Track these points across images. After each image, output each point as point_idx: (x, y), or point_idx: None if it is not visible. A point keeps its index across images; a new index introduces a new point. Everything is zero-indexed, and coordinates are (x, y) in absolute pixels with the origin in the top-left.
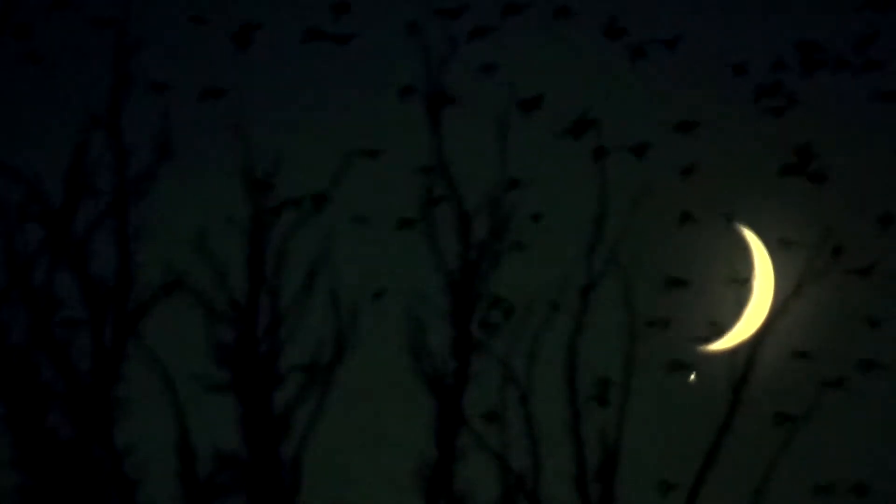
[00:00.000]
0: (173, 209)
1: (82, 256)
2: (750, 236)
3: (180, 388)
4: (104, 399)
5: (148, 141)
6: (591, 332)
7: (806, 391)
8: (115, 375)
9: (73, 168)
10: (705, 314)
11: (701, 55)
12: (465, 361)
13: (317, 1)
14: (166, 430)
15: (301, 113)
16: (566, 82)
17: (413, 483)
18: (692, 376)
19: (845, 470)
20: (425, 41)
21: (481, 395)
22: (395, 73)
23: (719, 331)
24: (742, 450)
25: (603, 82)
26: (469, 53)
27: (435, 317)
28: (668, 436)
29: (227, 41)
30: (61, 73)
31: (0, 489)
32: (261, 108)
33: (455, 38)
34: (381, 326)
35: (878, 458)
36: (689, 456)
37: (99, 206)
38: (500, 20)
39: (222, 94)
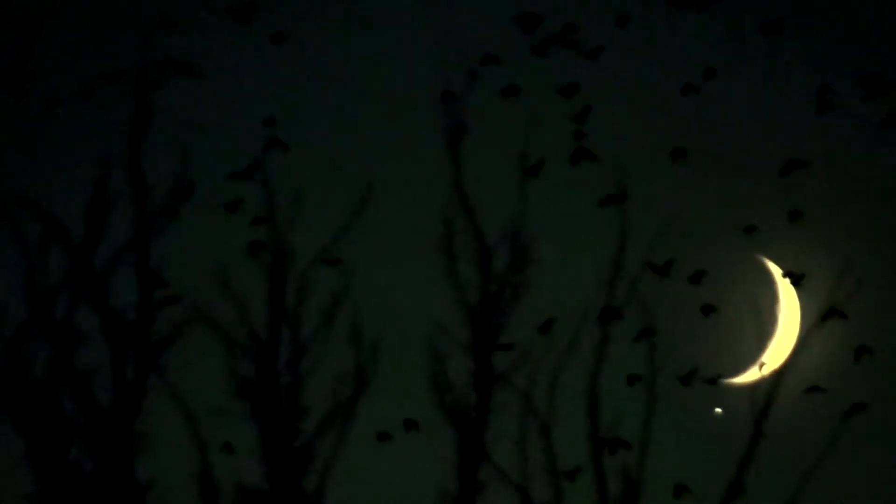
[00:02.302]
0: (193, 244)
1: (103, 291)
2: (774, 270)
3: (202, 421)
4: (126, 433)
5: (168, 176)
6: (611, 363)
7: (827, 425)
8: (136, 409)
9: (93, 203)
10: (727, 347)
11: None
12: (485, 394)
13: (336, 34)
14: (188, 464)
15: (321, 146)
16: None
17: None
18: (717, 410)
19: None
20: (445, 74)
21: (503, 427)
22: (416, 105)
23: (742, 364)
24: (764, 483)
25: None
26: (488, 85)
27: (456, 349)
28: (689, 468)
29: (247, 76)
30: (82, 110)
31: None
32: (281, 141)
33: (474, 70)
34: (402, 359)
35: None
36: (711, 488)
37: (119, 241)
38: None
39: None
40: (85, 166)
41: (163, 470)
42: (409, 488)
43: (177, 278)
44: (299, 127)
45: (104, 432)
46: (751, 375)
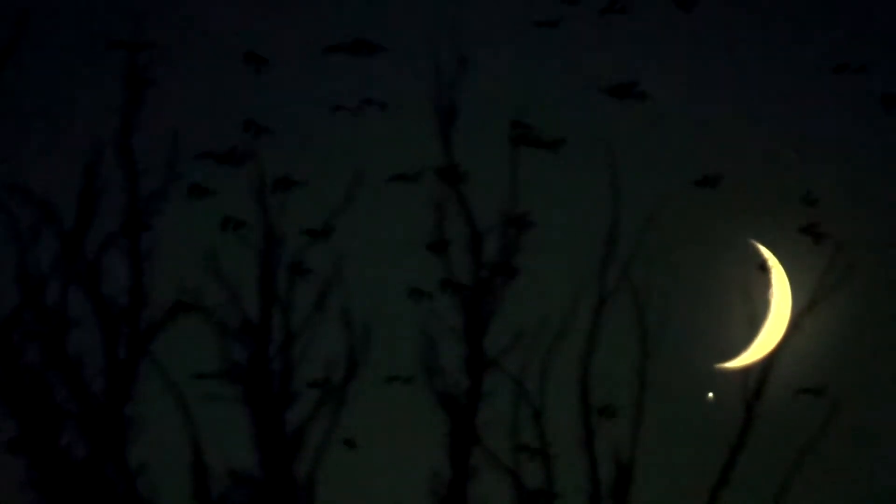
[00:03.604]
0: (185, 228)
1: (95, 276)
2: (768, 255)
3: (193, 406)
4: (117, 418)
5: (159, 161)
6: (603, 348)
7: (818, 411)
8: (127, 395)
9: (85, 189)
10: (720, 332)
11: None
12: (477, 379)
13: (330, 20)
14: (179, 449)
15: (313, 130)
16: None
17: (426, 500)
18: (710, 395)
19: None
20: (437, 60)
21: (494, 412)
22: (409, 91)
23: (734, 349)
24: (755, 467)
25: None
26: (481, 71)
27: (447, 335)
28: (681, 452)
29: (240, 61)
30: (73, 95)
31: None
32: (273, 128)
33: (466, 56)
34: (394, 344)
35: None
36: (702, 473)
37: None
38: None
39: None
40: (76, 151)
41: (154, 455)
42: (401, 472)
43: (168, 263)
44: (290, 110)
45: (95, 418)
46: (744, 361)
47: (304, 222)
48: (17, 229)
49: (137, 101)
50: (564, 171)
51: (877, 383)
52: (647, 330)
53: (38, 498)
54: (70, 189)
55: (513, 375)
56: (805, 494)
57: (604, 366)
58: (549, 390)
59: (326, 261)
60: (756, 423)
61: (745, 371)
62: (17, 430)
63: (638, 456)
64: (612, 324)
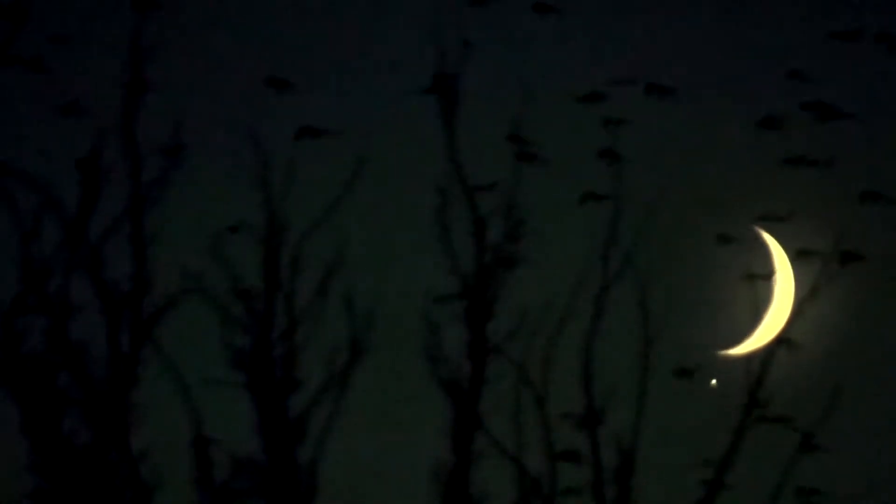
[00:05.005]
0: (188, 214)
1: (98, 262)
2: (771, 241)
3: (196, 392)
4: (120, 404)
5: (162, 147)
6: (606, 335)
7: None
8: (131, 380)
9: (87, 174)
10: (722, 318)
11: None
12: (480, 365)
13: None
14: (182, 435)
15: (314, 115)
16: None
17: (429, 487)
18: (713, 381)
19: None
20: (440, 43)
21: (497, 398)
22: (410, 75)
23: (737, 336)
24: (757, 453)
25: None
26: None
27: (450, 320)
28: (684, 439)
29: (240, 47)
30: (76, 80)
31: (18, 494)
32: (274, 112)
33: (469, 39)
34: (397, 330)
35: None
36: (705, 459)
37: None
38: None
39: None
40: (79, 137)
41: (157, 440)
42: (404, 459)
43: (171, 249)
44: (293, 96)
45: (99, 403)
46: (746, 347)
47: (307, 208)
48: (19, 215)
49: (141, 84)
50: (567, 155)
51: (880, 369)
52: (649, 316)
53: (42, 483)
54: (73, 175)
55: (516, 361)
56: (808, 481)
57: (606, 352)
58: (551, 376)
59: (329, 246)
60: (758, 410)
61: (749, 358)
62: (21, 417)
63: (640, 442)
64: (615, 310)
